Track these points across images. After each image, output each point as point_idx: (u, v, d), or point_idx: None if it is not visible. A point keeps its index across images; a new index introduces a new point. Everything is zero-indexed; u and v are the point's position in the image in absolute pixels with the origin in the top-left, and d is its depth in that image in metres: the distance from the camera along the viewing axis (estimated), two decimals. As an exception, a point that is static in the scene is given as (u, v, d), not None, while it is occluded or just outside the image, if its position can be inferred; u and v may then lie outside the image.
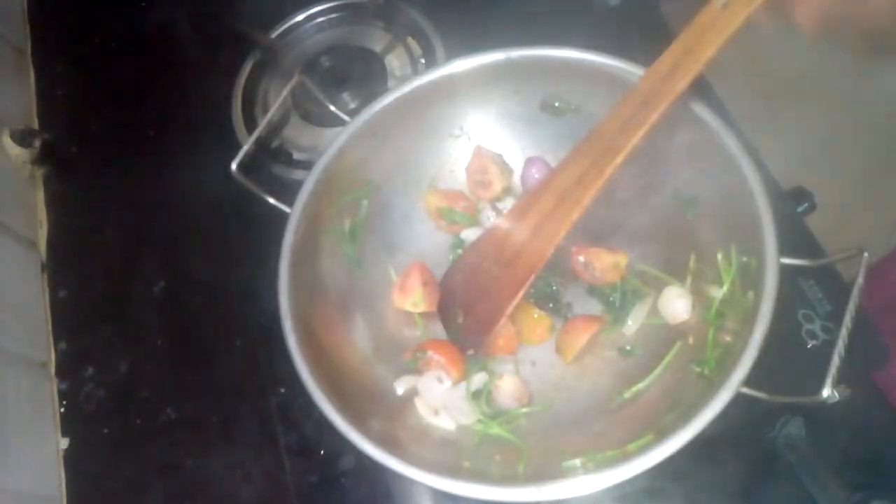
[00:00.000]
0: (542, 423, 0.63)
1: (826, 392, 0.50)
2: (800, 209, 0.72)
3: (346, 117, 0.69)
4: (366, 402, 0.61)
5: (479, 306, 0.62)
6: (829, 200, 0.76)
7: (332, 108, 0.72)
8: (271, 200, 0.65)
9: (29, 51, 1.03)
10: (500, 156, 0.73)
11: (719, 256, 0.61)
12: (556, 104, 0.71)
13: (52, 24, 1.05)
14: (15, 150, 0.89)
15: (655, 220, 0.68)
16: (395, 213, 0.73)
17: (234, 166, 0.65)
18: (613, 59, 0.64)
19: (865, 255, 0.53)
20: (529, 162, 0.73)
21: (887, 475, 0.64)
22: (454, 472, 0.54)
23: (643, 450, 0.51)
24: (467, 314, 0.63)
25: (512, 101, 0.72)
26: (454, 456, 0.59)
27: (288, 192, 0.65)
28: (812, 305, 0.67)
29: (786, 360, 0.62)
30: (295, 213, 0.63)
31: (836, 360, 0.51)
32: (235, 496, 0.69)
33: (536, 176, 0.72)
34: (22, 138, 0.89)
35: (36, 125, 0.95)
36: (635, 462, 0.50)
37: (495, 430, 0.61)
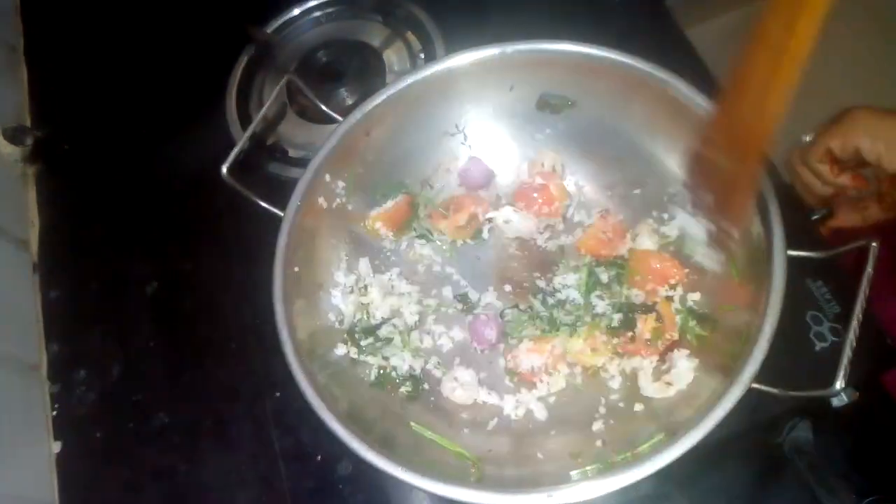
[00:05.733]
0: (549, 424, 0.61)
1: (839, 384, 0.48)
2: (815, 216, 0.71)
3: (338, 117, 0.67)
4: (363, 405, 0.59)
5: (725, 199, 0.56)
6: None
7: (324, 108, 0.70)
8: (263, 204, 0.63)
9: (21, 48, 1.01)
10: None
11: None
12: (554, 101, 0.69)
13: (45, 21, 1.03)
14: (7, 149, 0.87)
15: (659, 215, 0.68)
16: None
17: (224, 169, 0.63)
18: (611, 51, 0.63)
19: (874, 245, 0.52)
20: (472, 161, 0.72)
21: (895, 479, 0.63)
22: (456, 477, 0.53)
23: (655, 450, 0.49)
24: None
25: (508, 98, 0.70)
26: (456, 460, 0.58)
27: (283, 191, 0.64)
28: (820, 307, 0.66)
29: (795, 363, 0.62)
30: (287, 218, 0.62)
31: (847, 351, 0.49)
32: (231, 502, 0.67)
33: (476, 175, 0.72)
34: (14, 136, 0.88)
35: (28, 123, 0.94)
36: (648, 463, 0.49)
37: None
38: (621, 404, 0.60)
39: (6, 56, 0.99)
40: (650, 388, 0.59)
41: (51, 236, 0.86)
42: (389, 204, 0.70)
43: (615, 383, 0.62)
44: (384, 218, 0.69)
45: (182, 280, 0.79)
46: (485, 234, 0.71)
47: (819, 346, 0.64)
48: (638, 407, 0.59)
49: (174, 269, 0.80)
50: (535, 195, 0.70)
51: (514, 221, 0.70)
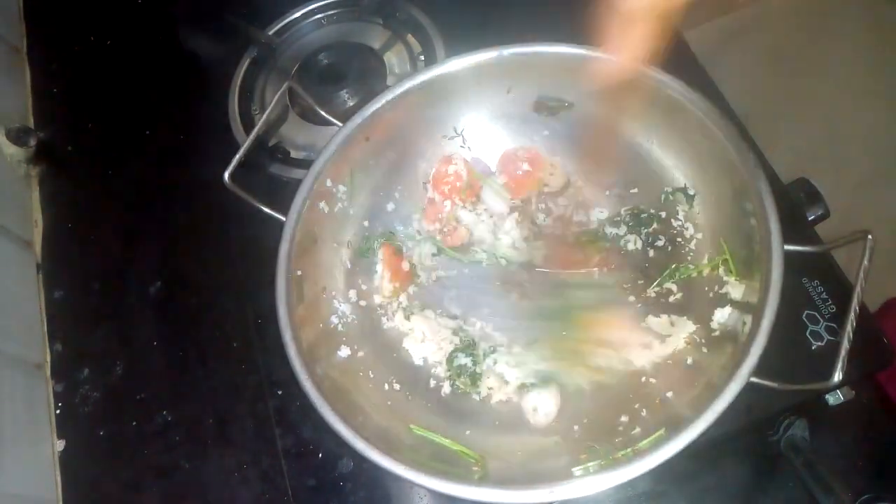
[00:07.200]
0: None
1: (837, 377, 0.49)
2: (812, 217, 0.71)
3: (337, 123, 0.68)
4: (364, 405, 0.60)
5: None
6: (832, 194, 0.75)
7: (323, 113, 0.71)
8: (266, 210, 0.64)
9: (25, 48, 1.02)
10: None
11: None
12: (550, 103, 0.70)
13: (49, 22, 1.04)
14: (10, 149, 0.88)
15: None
16: (392, 216, 0.72)
17: (226, 176, 0.64)
18: (605, 52, 0.64)
19: (870, 237, 0.52)
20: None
21: (891, 477, 0.64)
22: (458, 475, 0.53)
23: (656, 445, 0.50)
24: None
25: (505, 101, 0.71)
26: (459, 458, 0.58)
27: (285, 192, 0.65)
28: (816, 306, 0.66)
29: (791, 362, 0.62)
30: (289, 224, 0.63)
31: (845, 343, 0.50)
32: (232, 499, 0.68)
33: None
34: (17, 137, 0.88)
35: (31, 124, 0.94)
36: (649, 458, 0.49)
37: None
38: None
39: (10, 57, 0.99)
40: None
41: (54, 236, 0.86)
42: (379, 268, 0.69)
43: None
44: (387, 277, 0.69)
45: (185, 280, 0.80)
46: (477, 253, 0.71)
47: (815, 345, 0.65)
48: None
49: (177, 269, 0.81)
50: (519, 172, 0.71)
51: (488, 201, 0.71)
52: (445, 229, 0.71)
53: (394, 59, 0.90)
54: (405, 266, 0.70)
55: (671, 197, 0.68)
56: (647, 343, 0.62)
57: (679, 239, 0.67)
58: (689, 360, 0.61)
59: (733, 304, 0.60)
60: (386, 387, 0.64)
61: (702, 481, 0.63)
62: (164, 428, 0.72)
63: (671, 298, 0.65)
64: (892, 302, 0.95)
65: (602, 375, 0.62)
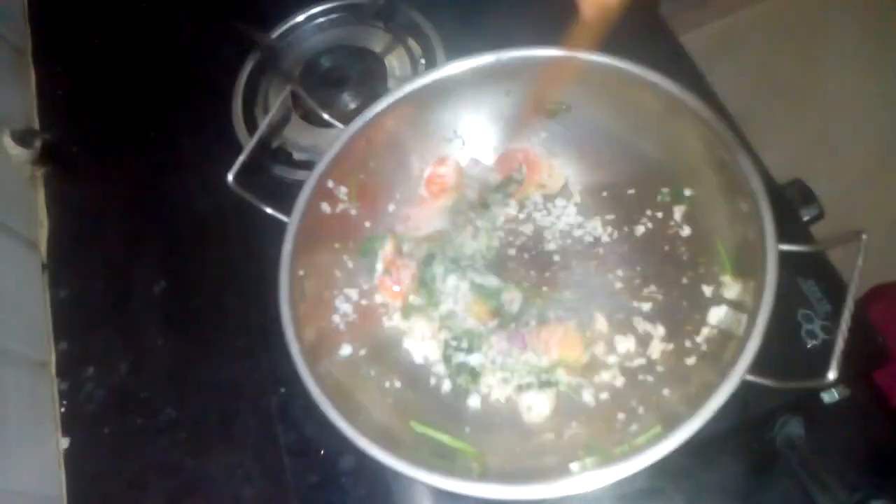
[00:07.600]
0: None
1: (832, 374, 0.50)
2: (806, 218, 0.72)
3: (339, 124, 0.69)
4: (366, 402, 0.61)
5: None
6: (827, 195, 0.76)
7: (326, 115, 0.72)
8: (269, 210, 0.65)
9: (29, 51, 1.03)
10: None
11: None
12: (549, 105, 0.71)
13: (53, 24, 1.05)
14: (15, 151, 0.88)
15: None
16: (392, 217, 0.73)
17: (230, 177, 0.65)
18: (605, 56, 0.65)
19: (864, 237, 0.53)
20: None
21: (887, 474, 0.64)
22: (458, 471, 0.54)
23: (653, 441, 0.51)
24: None
25: (504, 103, 0.72)
26: (455, 454, 0.59)
27: (288, 193, 0.66)
28: (811, 305, 0.67)
29: (786, 360, 0.63)
30: (292, 224, 0.64)
31: (840, 342, 0.50)
32: (235, 496, 0.69)
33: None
34: (22, 138, 0.89)
35: (36, 125, 0.95)
36: (647, 454, 0.50)
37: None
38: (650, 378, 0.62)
39: (14, 59, 1.00)
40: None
41: (59, 237, 0.87)
42: (379, 266, 0.70)
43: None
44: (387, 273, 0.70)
45: (189, 279, 0.81)
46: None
47: (810, 343, 0.66)
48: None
49: (181, 269, 0.81)
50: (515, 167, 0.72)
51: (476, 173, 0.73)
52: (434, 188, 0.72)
53: (395, 62, 0.91)
54: (405, 266, 0.70)
55: (667, 198, 0.68)
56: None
57: (675, 239, 0.68)
58: (686, 359, 0.62)
59: (728, 303, 0.61)
60: (387, 385, 0.65)
61: (698, 478, 0.63)
62: (168, 426, 0.73)
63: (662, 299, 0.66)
64: (876, 289, 0.96)
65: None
